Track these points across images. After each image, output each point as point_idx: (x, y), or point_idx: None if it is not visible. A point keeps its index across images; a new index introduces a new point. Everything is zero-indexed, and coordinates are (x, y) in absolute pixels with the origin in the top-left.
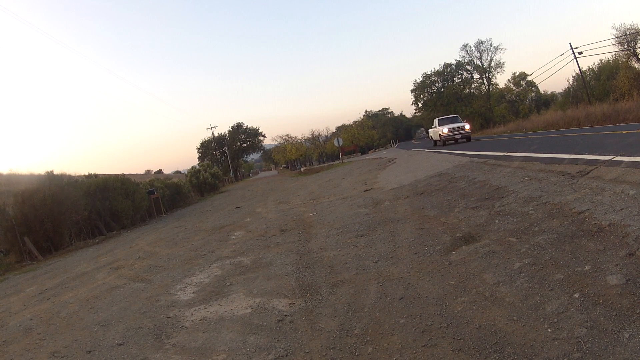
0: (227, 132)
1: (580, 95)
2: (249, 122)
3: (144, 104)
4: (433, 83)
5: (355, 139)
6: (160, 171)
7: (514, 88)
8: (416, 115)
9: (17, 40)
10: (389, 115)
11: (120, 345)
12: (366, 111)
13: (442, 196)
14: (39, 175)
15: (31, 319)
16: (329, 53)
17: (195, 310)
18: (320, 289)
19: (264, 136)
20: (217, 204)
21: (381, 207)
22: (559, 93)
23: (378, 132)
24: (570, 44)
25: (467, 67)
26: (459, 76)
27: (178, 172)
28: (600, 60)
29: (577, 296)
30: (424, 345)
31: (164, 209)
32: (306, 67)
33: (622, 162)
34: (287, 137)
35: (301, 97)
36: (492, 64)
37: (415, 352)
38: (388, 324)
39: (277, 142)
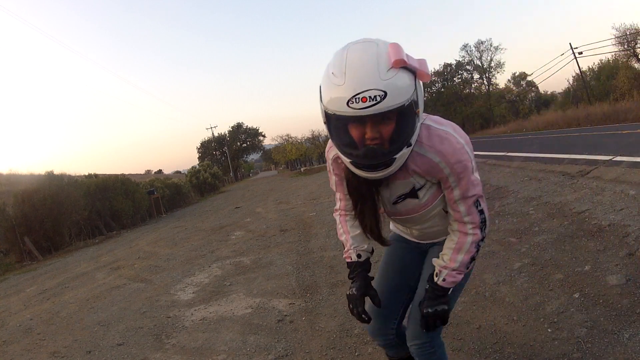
0: (227, 132)
1: (580, 95)
2: (249, 122)
3: (144, 104)
4: (433, 83)
5: None
6: (160, 171)
7: (514, 88)
8: None
9: (17, 40)
10: None
11: (120, 345)
12: None
13: None
14: (39, 175)
15: (31, 319)
16: (328, 53)
17: (195, 310)
18: (320, 289)
19: (264, 136)
20: (217, 204)
21: None
22: (559, 93)
23: None
24: (570, 44)
25: (467, 67)
26: (459, 76)
27: (178, 172)
28: (600, 60)
29: (577, 296)
30: None
31: (164, 209)
32: (306, 67)
33: (622, 162)
34: (287, 137)
35: (301, 97)
36: (492, 64)
37: None
38: None
39: (277, 142)
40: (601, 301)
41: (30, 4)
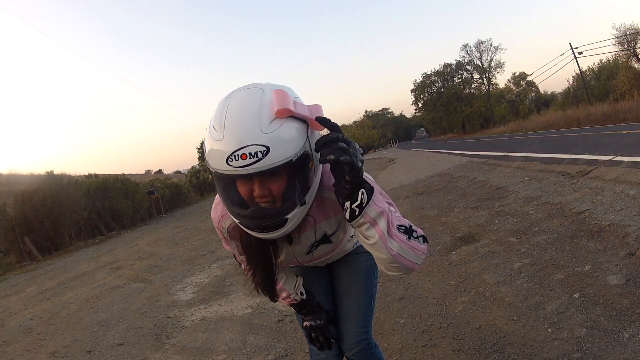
0: None
1: (580, 95)
2: None
3: (144, 104)
4: (433, 83)
5: (355, 139)
6: (160, 171)
7: (514, 88)
8: (416, 115)
9: (17, 40)
10: (389, 115)
11: (120, 345)
12: (366, 111)
13: (442, 196)
14: (39, 175)
15: (31, 319)
16: (328, 53)
17: (195, 310)
18: None
19: None
20: None
21: None
22: (559, 93)
23: (378, 132)
24: (570, 44)
25: (467, 67)
26: (459, 76)
27: (178, 172)
28: (600, 60)
29: (577, 296)
30: (424, 345)
31: (164, 209)
32: (305, 67)
33: (622, 162)
34: None
35: (301, 96)
36: (492, 64)
37: (415, 352)
38: (388, 324)
39: None
40: (601, 301)
41: (30, 4)
